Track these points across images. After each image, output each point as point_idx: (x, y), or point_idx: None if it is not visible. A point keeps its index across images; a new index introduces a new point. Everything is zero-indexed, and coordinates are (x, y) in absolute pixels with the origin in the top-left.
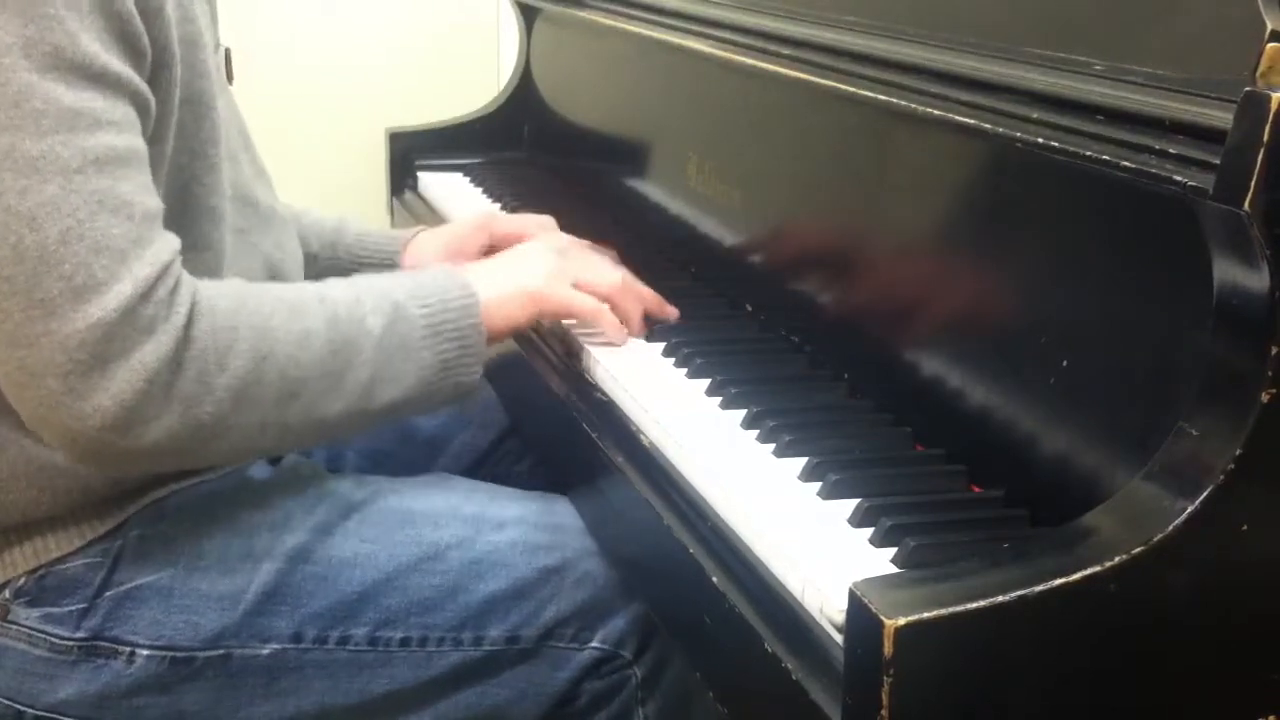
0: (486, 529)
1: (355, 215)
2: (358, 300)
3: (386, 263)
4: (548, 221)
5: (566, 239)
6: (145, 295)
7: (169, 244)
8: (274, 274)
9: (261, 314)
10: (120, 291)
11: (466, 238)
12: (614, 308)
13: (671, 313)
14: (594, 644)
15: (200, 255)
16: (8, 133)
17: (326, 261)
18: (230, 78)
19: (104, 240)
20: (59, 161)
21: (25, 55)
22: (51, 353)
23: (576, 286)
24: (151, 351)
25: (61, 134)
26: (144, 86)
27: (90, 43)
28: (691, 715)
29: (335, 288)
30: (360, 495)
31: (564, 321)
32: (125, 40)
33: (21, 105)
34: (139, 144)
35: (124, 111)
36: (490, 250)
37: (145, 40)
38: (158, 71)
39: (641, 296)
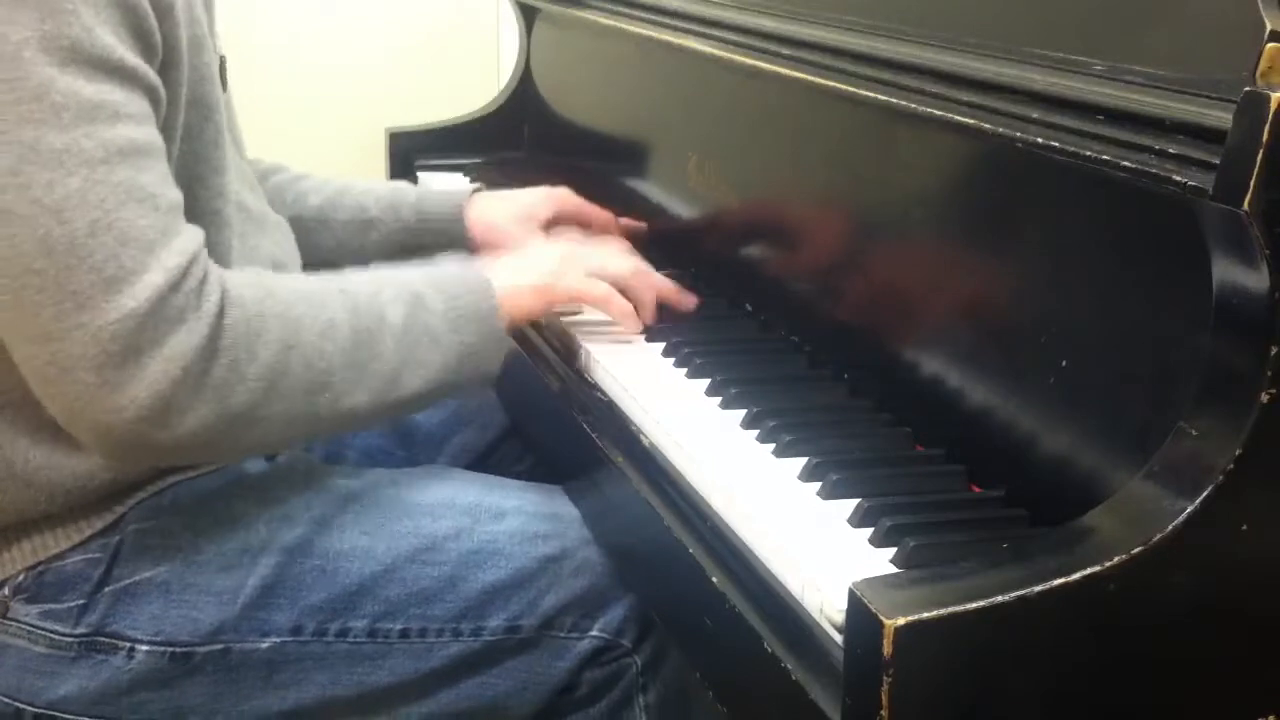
0: (484, 519)
1: None
2: (378, 291)
3: (452, 219)
4: (608, 216)
5: (581, 237)
6: (175, 285)
7: (194, 235)
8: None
9: (286, 303)
10: (151, 281)
11: (538, 206)
12: (627, 294)
13: (689, 301)
14: (594, 633)
15: None
16: (31, 126)
17: (389, 224)
18: (224, 85)
19: (131, 231)
20: (83, 154)
21: (44, 50)
22: (84, 345)
23: (589, 275)
24: (185, 340)
25: (84, 126)
26: (157, 80)
27: (106, 35)
28: (691, 703)
29: (354, 279)
30: (358, 487)
31: (565, 320)
32: (139, 35)
33: (43, 99)
34: (157, 137)
35: (140, 105)
36: (553, 224)
37: (157, 36)
38: (166, 70)
39: (655, 284)
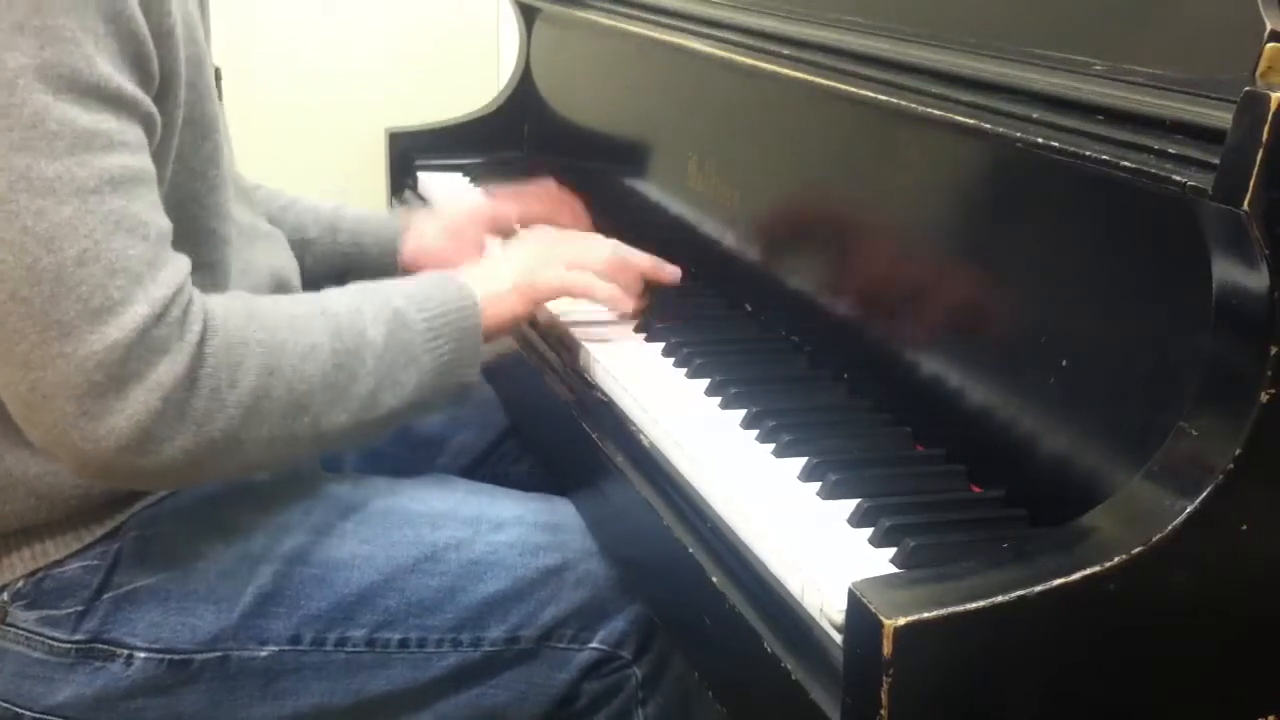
0: (485, 529)
1: None
2: (358, 310)
3: (387, 245)
4: (544, 186)
5: (555, 232)
6: (160, 316)
7: (181, 264)
8: (279, 287)
9: (268, 328)
10: (137, 313)
11: (466, 222)
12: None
13: (669, 271)
14: (594, 644)
15: (197, 275)
16: (24, 154)
17: (326, 246)
18: (220, 96)
19: (120, 261)
20: (75, 182)
21: (41, 77)
22: (67, 374)
23: (569, 268)
24: (167, 371)
25: (77, 155)
26: (153, 108)
27: (104, 64)
28: (692, 716)
29: (335, 299)
30: (358, 496)
31: (564, 320)
32: (137, 63)
33: (37, 127)
34: (149, 164)
35: (135, 133)
36: (494, 234)
37: (155, 63)
38: (163, 95)
39: (637, 265)
